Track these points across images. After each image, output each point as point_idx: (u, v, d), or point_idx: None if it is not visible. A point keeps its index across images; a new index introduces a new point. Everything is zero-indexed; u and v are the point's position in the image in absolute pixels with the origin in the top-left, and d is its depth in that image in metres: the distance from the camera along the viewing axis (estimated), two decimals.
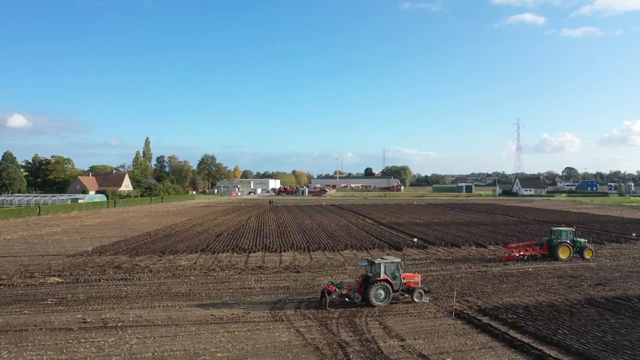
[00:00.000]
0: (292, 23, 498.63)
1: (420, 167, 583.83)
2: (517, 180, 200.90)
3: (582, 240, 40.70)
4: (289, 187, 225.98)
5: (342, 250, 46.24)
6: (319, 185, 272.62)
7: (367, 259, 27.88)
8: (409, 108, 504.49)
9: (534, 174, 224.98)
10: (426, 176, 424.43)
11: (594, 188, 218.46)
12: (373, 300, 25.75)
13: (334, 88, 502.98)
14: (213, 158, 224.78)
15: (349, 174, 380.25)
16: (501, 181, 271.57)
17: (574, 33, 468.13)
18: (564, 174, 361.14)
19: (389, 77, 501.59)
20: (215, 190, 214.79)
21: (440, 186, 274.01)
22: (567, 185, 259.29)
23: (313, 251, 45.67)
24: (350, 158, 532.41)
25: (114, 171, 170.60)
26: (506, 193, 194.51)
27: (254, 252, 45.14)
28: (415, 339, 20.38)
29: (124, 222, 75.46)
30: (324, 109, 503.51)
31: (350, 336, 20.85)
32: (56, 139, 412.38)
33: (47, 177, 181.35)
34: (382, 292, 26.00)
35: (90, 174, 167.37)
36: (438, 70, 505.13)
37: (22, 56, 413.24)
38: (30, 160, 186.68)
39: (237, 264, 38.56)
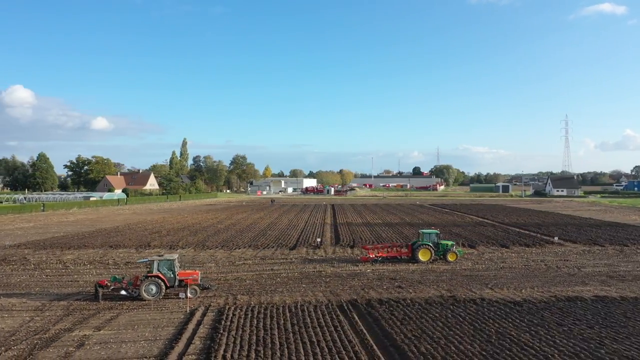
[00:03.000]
0: (356, 19, 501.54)
1: (490, 166, 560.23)
2: (549, 181, 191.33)
3: (449, 242, 40.12)
4: (320, 187, 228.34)
5: (240, 248, 48.00)
6: (354, 184, 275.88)
7: (151, 257, 29.76)
8: (480, 105, 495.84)
9: (568, 174, 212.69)
10: (479, 175, 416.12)
11: None
12: (144, 294, 27.66)
13: (398, 84, 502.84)
14: (244, 158, 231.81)
15: (400, 173, 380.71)
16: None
17: None
18: (633, 172, 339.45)
19: (458, 73, 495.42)
20: (249, 189, 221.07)
21: (478, 186, 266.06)
22: (616, 185, 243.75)
23: (209, 249, 47.77)
24: (416, 157, 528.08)
25: (140, 171, 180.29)
26: (537, 194, 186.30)
27: (157, 248, 47.88)
28: (110, 330, 22.25)
29: (101, 219, 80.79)
30: (390, 107, 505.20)
31: (62, 326, 22.99)
32: (134, 140, 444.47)
33: (88, 176, 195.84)
34: (153, 287, 27.84)
35: (119, 173, 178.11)
36: (510, 65, 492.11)
37: (103, 64, 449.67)
38: (74, 161, 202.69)
39: (113, 259, 41.43)
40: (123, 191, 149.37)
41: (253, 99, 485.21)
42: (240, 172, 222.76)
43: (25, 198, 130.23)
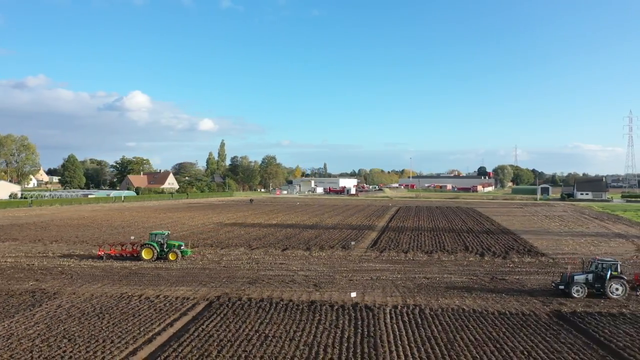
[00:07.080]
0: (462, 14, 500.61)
1: (602, 165, 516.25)
2: (575, 183, 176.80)
3: (176, 243, 43.09)
4: (349, 187, 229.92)
5: (60, 243, 53.35)
6: (395, 185, 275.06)
7: None
8: (595, 101, 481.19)
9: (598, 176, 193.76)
10: (553, 175, 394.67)
11: None
12: None
13: (499, 80, 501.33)
14: (273, 158, 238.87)
15: (476, 173, 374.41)
16: None
17: None
18: None
19: (567, 65, 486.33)
20: (279, 188, 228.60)
21: (518, 188, 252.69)
22: None
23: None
24: (520, 155, 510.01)
25: (161, 171, 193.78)
26: (563, 197, 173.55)
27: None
28: None
29: (45, 215, 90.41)
30: (490, 104, 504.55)
31: None
32: (237, 139, 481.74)
33: (129, 174, 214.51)
34: None
35: (142, 173, 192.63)
36: (623, 55, 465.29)
37: (209, 69, 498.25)
38: (119, 161, 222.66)
39: None
40: (136, 190, 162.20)
41: (349, 98, 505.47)
42: (263, 172, 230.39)
43: (50, 194, 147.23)
